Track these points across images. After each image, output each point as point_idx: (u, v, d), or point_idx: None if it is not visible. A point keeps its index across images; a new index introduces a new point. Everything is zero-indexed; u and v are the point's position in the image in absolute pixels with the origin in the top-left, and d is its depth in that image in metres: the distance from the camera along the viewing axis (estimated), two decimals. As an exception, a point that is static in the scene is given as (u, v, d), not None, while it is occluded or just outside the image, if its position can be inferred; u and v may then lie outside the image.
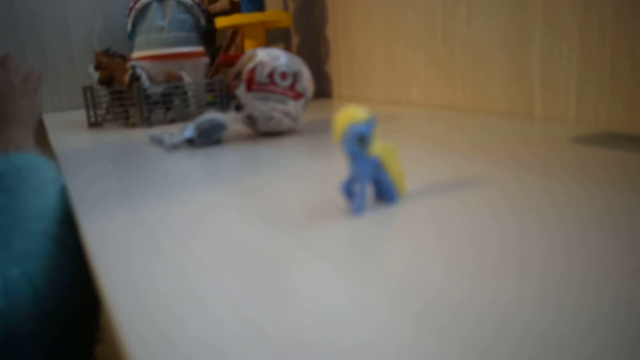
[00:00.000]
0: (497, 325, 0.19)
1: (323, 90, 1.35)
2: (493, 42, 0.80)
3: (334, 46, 1.27)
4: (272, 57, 0.66)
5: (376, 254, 0.27)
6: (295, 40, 1.45)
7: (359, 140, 0.32)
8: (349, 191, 0.35)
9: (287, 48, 1.48)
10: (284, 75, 0.65)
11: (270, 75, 0.65)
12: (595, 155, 0.47)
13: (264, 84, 0.64)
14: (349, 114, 0.32)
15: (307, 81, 0.68)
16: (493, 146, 0.54)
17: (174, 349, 0.19)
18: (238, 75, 0.68)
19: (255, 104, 0.66)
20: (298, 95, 0.66)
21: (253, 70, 0.66)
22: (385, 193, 0.35)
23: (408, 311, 0.20)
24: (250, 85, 0.65)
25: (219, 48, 1.42)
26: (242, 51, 1.27)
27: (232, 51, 1.38)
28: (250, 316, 0.21)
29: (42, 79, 0.59)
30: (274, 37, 1.53)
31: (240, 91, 0.67)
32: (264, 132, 0.71)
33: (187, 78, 1.02)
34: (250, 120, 0.68)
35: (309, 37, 1.37)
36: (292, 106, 0.66)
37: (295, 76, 0.66)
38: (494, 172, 0.43)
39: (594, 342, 0.18)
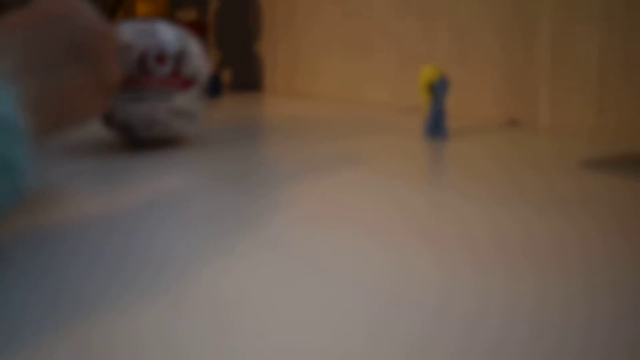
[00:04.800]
0: None
1: (250, 80, 1.30)
2: (486, 26, 0.79)
3: (269, 19, 1.23)
4: (140, 34, 0.61)
5: None
6: (213, 5, 1.40)
7: (445, 88, 0.66)
8: (432, 128, 0.67)
9: (202, 17, 1.43)
10: (161, 58, 0.61)
11: (142, 60, 0.60)
12: (607, 187, 0.46)
13: (134, 75, 0.60)
14: (433, 69, 0.67)
15: (197, 60, 0.63)
16: (474, 170, 0.51)
17: None
18: None
19: (126, 107, 0.60)
20: (187, 83, 0.62)
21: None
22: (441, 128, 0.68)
23: None
24: None
25: (102, 10, 1.35)
26: (134, 18, 1.21)
27: (120, 18, 1.31)
28: None
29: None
30: (183, 0, 1.48)
31: None
32: (147, 141, 0.64)
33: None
34: (126, 129, 0.62)
35: (236, 3, 1.32)
36: (182, 100, 0.62)
37: (179, 56, 0.62)
38: (467, 208, 0.40)
39: None
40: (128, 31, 0.61)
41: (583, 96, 0.69)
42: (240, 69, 1.32)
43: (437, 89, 0.65)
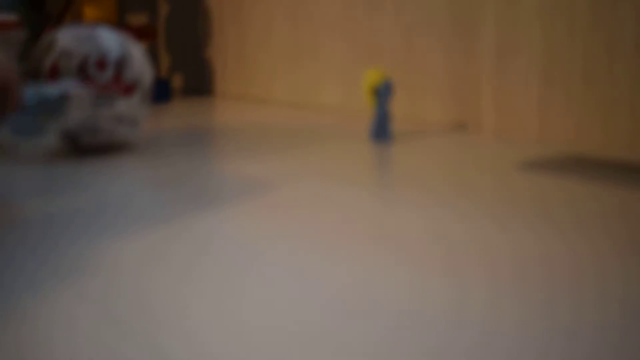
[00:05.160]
0: None
1: (200, 85, 1.30)
2: (431, 31, 0.80)
3: (218, 24, 1.23)
4: (80, 40, 0.61)
5: None
6: (164, 10, 1.38)
7: (389, 92, 0.67)
8: (377, 131, 0.68)
9: (152, 22, 1.42)
10: (101, 64, 0.60)
11: (82, 67, 0.60)
12: (552, 189, 0.47)
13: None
14: (377, 73, 0.67)
15: (139, 65, 0.63)
16: (418, 173, 0.52)
17: None
18: (36, 73, 0.60)
19: (69, 113, 0.58)
20: (129, 89, 0.61)
21: (55, 65, 0.59)
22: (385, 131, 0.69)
23: None
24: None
25: (47, 16, 1.32)
26: (82, 22, 1.19)
27: (69, 22, 1.29)
28: None
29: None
30: (133, 4, 1.45)
31: None
32: (90, 148, 0.63)
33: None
34: (69, 136, 0.61)
35: (186, 8, 1.31)
36: (124, 106, 0.61)
37: (120, 62, 0.61)
38: (410, 211, 0.40)
39: None
40: (68, 37, 0.60)
41: (526, 99, 0.71)
42: (191, 74, 1.31)
43: (382, 93, 0.66)
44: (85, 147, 0.64)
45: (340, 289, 0.29)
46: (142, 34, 1.15)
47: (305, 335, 0.24)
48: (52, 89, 0.57)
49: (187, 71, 1.32)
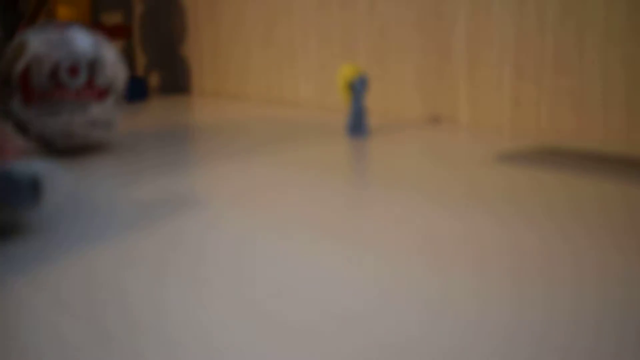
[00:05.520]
0: None
1: (177, 83, 1.29)
2: (405, 25, 0.81)
3: (193, 20, 1.22)
4: (50, 44, 0.60)
5: None
6: (138, 9, 1.37)
7: (364, 87, 0.67)
8: (353, 126, 0.69)
9: (126, 21, 1.41)
10: (73, 70, 0.59)
11: (53, 73, 0.59)
12: (524, 179, 0.48)
13: (47, 89, 0.59)
14: (352, 67, 0.68)
15: (112, 68, 0.63)
16: (395, 167, 0.52)
17: None
18: (7, 81, 0.60)
19: (42, 121, 0.59)
20: (102, 93, 0.61)
21: (26, 71, 0.59)
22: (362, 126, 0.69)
23: None
24: (29, 95, 0.58)
25: (20, 15, 1.31)
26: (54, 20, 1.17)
27: (42, 21, 1.28)
28: None
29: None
30: (107, 3, 1.44)
31: (16, 106, 0.59)
32: (65, 150, 0.63)
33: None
34: (44, 141, 0.61)
35: (161, 6, 1.30)
36: (98, 110, 0.61)
37: (93, 66, 0.61)
38: (388, 205, 0.41)
39: None
40: (39, 40, 0.60)
41: (500, 92, 0.71)
42: (167, 72, 1.30)
43: (357, 88, 0.66)
44: (59, 150, 0.64)
45: (322, 286, 0.29)
46: (117, 33, 1.14)
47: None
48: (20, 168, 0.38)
49: (163, 69, 1.32)
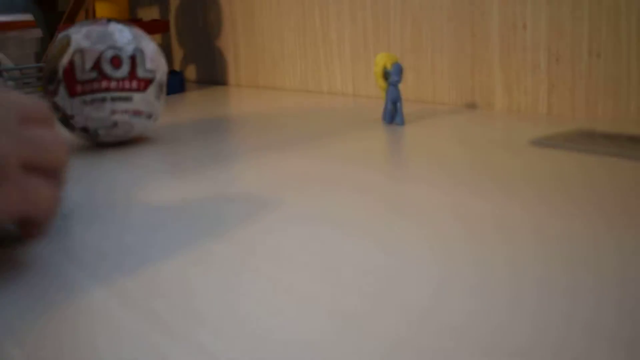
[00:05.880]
0: None
1: (214, 76, 1.31)
2: (438, 12, 0.81)
3: (227, 14, 1.24)
4: (93, 38, 0.61)
5: None
6: (174, 3, 1.39)
7: (400, 75, 0.68)
8: (389, 115, 0.70)
9: (163, 16, 1.43)
10: (116, 61, 0.61)
11: (97, 65, 0.60)
12: (565, 162, 0.49)
13: (91, 80, 0.60)
14: (387, 56, 0.69)
15: (153, 58, 0.64)
16: (433, 154, 0.53)
17: None
18: (52, 77, 0.61)
19: (86, 112, 0.61)
20: (144, 84, 0.62)
21: (70, 64, 0.61)
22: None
23: None
24: (73, 87, 0.60)
25: (61, 14, 1.34)
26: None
27: (82, 19, 1.30)
28: None
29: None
30: (144, -1, 1.47)
31: (61, 98, 0.61)
32: (108, 142, 0.65)
33: (5, 60, 0.93)
34: (87, 133, 0.63)
35: (195, 0, 1.32)
36: (141, 100, 0.62)
37: (134, 57, 0.62)
38: (429, 190, 0.42)
39: None
40: (81, 35, 0.62)
41: (535, 77, 0.71)
42: (204, 65, 1.32)
43: (393, 76, 0.67)
44: (103, 142, 0.66)
45: (363, 266, 0.30)
46: (154, 27, 1.16)
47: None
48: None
49: (199, 62, 1.34)
